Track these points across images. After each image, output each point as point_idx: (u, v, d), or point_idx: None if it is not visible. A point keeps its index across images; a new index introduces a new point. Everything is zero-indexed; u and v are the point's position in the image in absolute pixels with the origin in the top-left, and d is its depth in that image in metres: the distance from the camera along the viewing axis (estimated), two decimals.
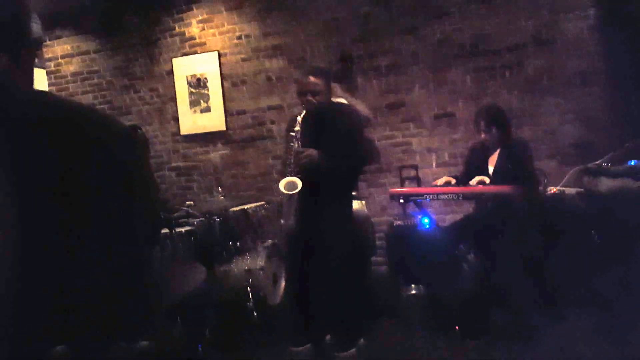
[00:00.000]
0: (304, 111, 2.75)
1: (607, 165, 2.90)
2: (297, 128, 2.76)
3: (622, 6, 3.47)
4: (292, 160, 2.71)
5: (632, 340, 2.40)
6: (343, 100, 3.53)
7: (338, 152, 2.55)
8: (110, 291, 0.80)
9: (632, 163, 2.60)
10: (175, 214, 3.60)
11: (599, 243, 2.93)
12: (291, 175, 2.71)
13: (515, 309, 2.84)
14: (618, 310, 2.69)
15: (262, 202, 3.62)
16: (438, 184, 3.05)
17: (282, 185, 2.79)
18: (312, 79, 2.67)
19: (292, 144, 2.75)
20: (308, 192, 2.73)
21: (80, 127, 0.78)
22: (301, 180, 2.67)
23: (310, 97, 2.65)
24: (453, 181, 3.01)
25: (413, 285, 3.16)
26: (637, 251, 2.66)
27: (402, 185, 3.93)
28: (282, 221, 3.14)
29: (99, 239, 0.76)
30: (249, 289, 3.11)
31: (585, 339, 2.52)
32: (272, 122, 4.40)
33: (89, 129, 0.80)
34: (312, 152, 2.63)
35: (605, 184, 2.80)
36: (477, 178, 2.92)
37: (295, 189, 2.70)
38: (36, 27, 0.83)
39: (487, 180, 2.90)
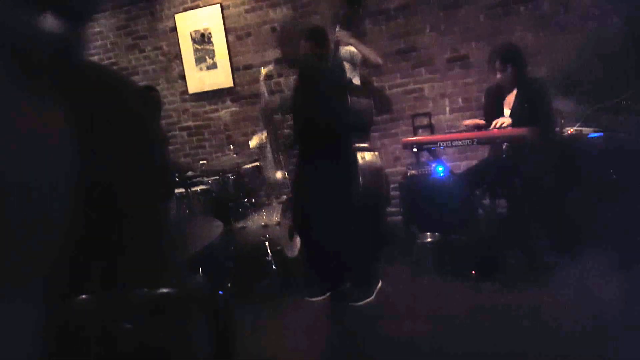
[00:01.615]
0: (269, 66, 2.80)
1: (627, 102, 2.80)
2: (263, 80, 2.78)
3: None
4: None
5: None
6: (351, 49, 3.44)
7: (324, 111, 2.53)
8: (129, 242, 0.81)
9: None
10: (189, 173, 3.63)
11: (617, 183, 2.88)
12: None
13: (531, 251, 2.85)
14: (634, 248, 2.68)
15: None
16: (466, 124, 3.03)
17: (252, 143, 2.89)
18: (304, 43, 2.63)
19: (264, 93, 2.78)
20: (304, 153, 2.72)
21: (95, 84, 0.78)
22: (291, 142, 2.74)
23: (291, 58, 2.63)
24: (482, 123, 2.98)
25: (428, 234, 3.18)
26: None
27: (415, 134, 3.88)
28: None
29: (118, 193, 0.77)
30: (266, 244, 3.17)
31: (601, 277, 2.53)
32: (280, 75, 4.31)
33: (108, 87, 0.80)
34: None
35: (624, 121, 2.71)
36: (500, 120, 2.85)
37: (260, 143, 2.79)
38: None
39: (509, 121, 2.83)
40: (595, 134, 2.78)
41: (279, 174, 3.31)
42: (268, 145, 3.30)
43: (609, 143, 2.92)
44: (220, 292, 2.45)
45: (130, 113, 0.80)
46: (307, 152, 2.73)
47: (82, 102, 0.71)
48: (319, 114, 2.55)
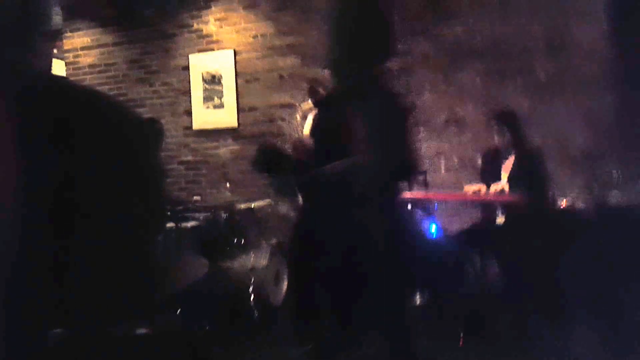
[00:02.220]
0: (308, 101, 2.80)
1: (620, 175, 2.84)
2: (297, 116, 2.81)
3: (635, 13, 3.40)
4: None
5: (636, 352, 2.36)
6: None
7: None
8: (111, 277, 0.80)
9: None
10: (181, 208, 3.63)
11: (608, 254, 2.87)
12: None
13: (520, 317, 2.80)
14: (622, 321, 2.65)
15: (269, 200, 3.62)
16: (470, 190, 3.00)
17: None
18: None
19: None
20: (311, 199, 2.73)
21: (98, 114, 0.80)
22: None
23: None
24: (484, 188, 2.97)
25: (418, 294, 3.13)
26: None
27: (410, 190, 3.91)
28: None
29: (103, 225, 0.77)
30: (251, 288, 3.12)
31: (590, 349, 2.48)
32: (282, 119, 4.41)
33: (105, 117, 0.81)
34: (309, 142, 2.64)
35: (617, 194, 2.75)
36: (497, 186, 2.86)
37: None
38: (57, 17, 0.85)
39: (507, 186, 2.85)
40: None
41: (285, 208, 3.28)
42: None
43: (601, 215, 2.95)
44: (199, 329, 2.40)
45: (128, 143, 0.81)
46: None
47: (79, 128, 0.72)
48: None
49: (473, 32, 3.85)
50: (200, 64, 4.68)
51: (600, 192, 2.90)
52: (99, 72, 5.09)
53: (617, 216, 2.78)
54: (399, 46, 4.01)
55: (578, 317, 2.80)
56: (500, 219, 2.98)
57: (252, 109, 4.54)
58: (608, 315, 2.73)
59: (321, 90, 2.72)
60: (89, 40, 5.11)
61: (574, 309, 2.85)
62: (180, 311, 2.32)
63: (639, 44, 3.38)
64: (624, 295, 2.73)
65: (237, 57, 4.56)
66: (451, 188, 3.69)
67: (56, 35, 5.04)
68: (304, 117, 2.81)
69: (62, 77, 0.87)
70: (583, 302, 2.88)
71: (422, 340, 2.81)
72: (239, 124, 4.57)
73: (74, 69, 5.18)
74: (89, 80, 5.11)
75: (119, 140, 0.83)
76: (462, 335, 2.72)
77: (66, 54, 5.19)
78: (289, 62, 4.39)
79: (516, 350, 2.52)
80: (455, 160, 3.96)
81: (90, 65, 5.13)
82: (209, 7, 4.66)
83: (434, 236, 3.15)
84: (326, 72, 2.65)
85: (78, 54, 5.17)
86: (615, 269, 2.79)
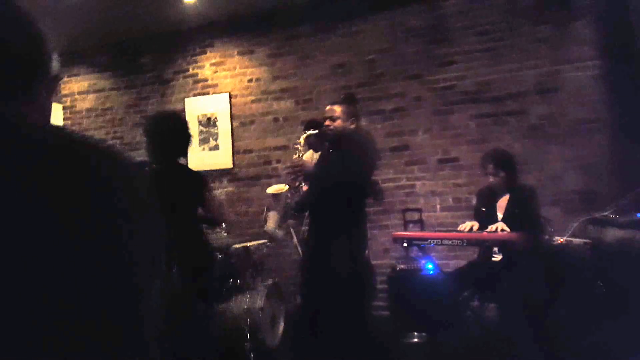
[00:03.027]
0: (309, 131, 2.87)
1: (614, 215, 2.88)
2: (300, 141, 2.85)
3: (625, 58, 3.56)
4: (291, 167, 2.79)
5: None
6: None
7: (336, 174, 2.58)
8: (102, 320, 0.79)
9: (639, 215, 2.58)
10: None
11: (604, 294, 2.86)
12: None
13: (518, 358, 2.74)
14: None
15: (265, 240, 3.60)
16: (464, 229, 3.00)
17: (270, 189, 2.91)
18: (332, 106, 2.78)
19: (295, 155, 2.84)
20: (318, 223, 2.74)
21: (91, 163, 0.80)
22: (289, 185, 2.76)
23: (328, 122, 2.75)
24: (477, 226, 2.98)
25: (415, 333, 3.07)
26: None
27: (405, 228, 3.92)
28: (265, 227, 3.18)
29: (98, 269, 0.76)
30: (246, 329, 3.04)
31: None
32: (278, 161, 4.46)
33: (100, 165, 0.82)
34: (307, 162, 2.69)
35: (612, 234, 2.77)
36: (496, 226, 2.87)
37: (279, 191, 2.80)
38: (55, 64, 0.87)
39: (505, 227, 2.85)
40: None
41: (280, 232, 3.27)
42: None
43: (597, 254, 2.96)
44: None
45: (121, 186, 0.82)
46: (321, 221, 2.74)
47: (77, 181, 0.73)
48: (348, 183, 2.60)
49: (465, 77, 4.00)
50: (196, 107, 4.77)
51: (595, 229, 2.92)
52: (96, 116, 5.16)
53: (612, 254, 2.79)
54: (392, 88, 4.17)
55: (575, 355, 2.75)
56: (496, 257, 2.98)
57: (247, 150, 4.59)
58: (605, 353, 2.68)
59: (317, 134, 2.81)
60: (87, 85, 5.21)
61: (571, 347, 2.81)
62: (173, 353, 2.24)
63: (628, 88, 3.53)
64: (619, 333, 2.70)
65: (232, 100, 4.66)
66: (447, 227, 3.71)
67: (55, 84, 5.09)
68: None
69: (60, 129, 0.89)
70: (579, 340, 2.84)
71: None
72: (234, 165, 4.61)
73: (71, 112, 5.25)
74: (85, 124, 5.17)
75: (113, 188, 0.83)
76: None
77: (64, 98, 5.27)
78: (284, 105, 4.50)
79: None
80: (450, 200, 3.99)
81: (88, 110, 5.20)
82: (205, 52, 4.81)
83: (431, 274, 3.12)
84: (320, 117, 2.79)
85: (75, 98, 5.25)
86: (611, 307, 2.78)
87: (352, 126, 2.79)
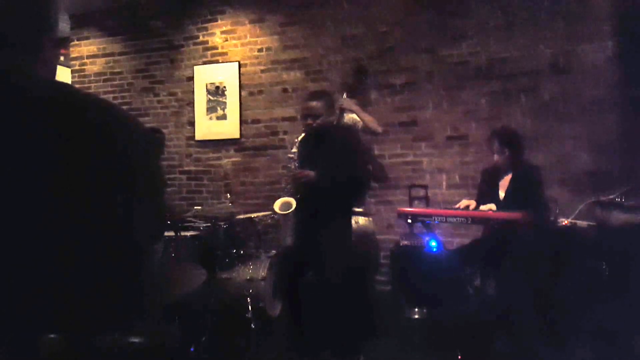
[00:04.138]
0: (302, 134, 2.82)
1: (621, 199, 2.84)
2: (295, 150, 2.83)
3: None
4: (289, 182, 2.78)
5: None
6: (354, 117, 3.55)
7: (335, 174, 2.56)
8: (106, 283, 0.80)
9: None
10: (182, 217, 3.63)
11: (608, 277, 2.86)
12: (288, 196, 2.77)
13: (518, 337, 2.77)
14: (622, 345, 2.62)
15: (269, 212, 3.62)
16: (460, 207, 3.01)
17: (277, 205, 2.86)
18: (311, 103, 2.73)
19: (289, 165, 2.81)
20: (306, 212, 2.75)
21: (101, 121, 0.80)
22: (297, 201, 2.72)
23: (310, 121, 2.71)
24: (473, 204, 2.97)
25: (416, 308, 3.11)
26: None
27: (410, 205, 3.91)
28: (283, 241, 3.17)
29: (101, 231, 0.77)
30: (248, 299, 3.09)
31: None
32: (285, 133, 4.43)
33: (109, 124, 0.82)
34: (309, 173, 2.67)
35: (617, 218, 2.74)
36: (486, 206, 2.88)
37: (289, 210, 2.76)
38: (64, 26, 0.86)
39: (493, 207, 2.86)
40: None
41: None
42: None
43: (602, 237, 2.94)
44: (192, 349, 2.37)
45: (130, 150, 0.81)
46: (306, 210, 2.75)
47: (81, 134, 0.72)
48: (332, 170, 2.58)
49: (478, 52, 3.90)
50: (204, 75, 4.72)
51: (601, 212, 2.89)
52: (105, 80, 5.14)
53: (617, 236, 2.77)
54: (403, 62, 4.08)
55: (576, 337, 2.78)
56: (499, 236, 2.97)
57: (255, 121, 4.57)
58: (607, 335, 2.70)
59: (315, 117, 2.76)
60: (96, 49, 5.17)
61: (573, 328, 2.83)
62: (177, 321, 2.30)
63: None
64: (623, 315, 2.71)
65: (241, 70, 4.61)
66: (452, 205, 3.69)
67: (63, 43, 5.10)
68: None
69: (66, 84, 0.89)
70: (582, 321, 2.85)
71: (419, 354, 2.79)
72: (241, 135, 4.59)
73: (79, 76, 5.23)
74: (94, 88, 5.15)
75: (121, 147, 0.83)
76: (459, 352, 2.69)
77: (73, 62, 5.24)
78: (294, 76, 4.43)
79: None
80: (457, 177, 3.96)
81: (96, 74, 5.18)
82: (216, 19, 4.73)
83: (434, 251, 3.13)
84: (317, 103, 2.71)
85: (84, 62, 5.22)
86: (615, 288, 2.78)
87: (335, 121, 2.77)
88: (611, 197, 2.93)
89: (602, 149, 3.61)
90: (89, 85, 5.17)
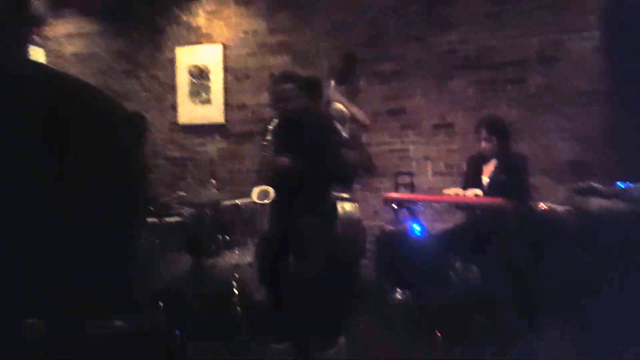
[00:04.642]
0: (276, 120, 2.78)
1: (598, 185, 2.92)
2: (269, 137, 2.78)
3: (627, 30, 3.50)
4: (264, 170, 2.75)
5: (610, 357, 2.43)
6: (340, 106, 3.54)
7: (310, 161, 2.54)
8: (89, 267, 0.78)
9: (622, 185, 2.62)
10: (165, 204, 3.58)
11: (585, 260, 2.95)
12: (264, 184, 2.74)
13: (498, 319, 2.85)
14: (597, 327, 2.72)
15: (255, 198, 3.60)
16: (449, 193, 3.06)
17: (254, 194, 2.82)
18: (281, 86, 2.68)
19: (264, 153, 2.77)
20: (283, 199, 2.75)
21: (79, 103, 0.77)
22: (274, 188, 2.70)
23: (281, 105, 2.67)
24: (461, 191, 3.02)
25: (399, 291, 3.16)
26: (621, 270, 2.70)
27: (396, 191, 3.95)
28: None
29: (83, 217, 0.75)
30: (235, 284, 3.09)
31: (563, 352, 2.55)
32: (272, 119, 4.38)
33: (88, 106, 0.79)
34: (284, 161, 2.64)
35: (595, 203, 2.82)
36: (471, 191, 2.93)
37: (267, 199, 2.73)
38: (38, 3, 0.82)
39: (480, 192, 2.91)
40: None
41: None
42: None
43: (580, 222, 3.02)
44: (177, 332, 2.36)
45: (112, 135, 0.79)
46: (286, 196, 2.74)
47: (58, 116, 0.69)
48: (309, 157, 2.57)
49: (467, 42, 3.91)
50: (187, 57, 4.62)
51: (579, 199, 2.97)
52: (82, 61, 4.98)
53: (595, 222, 2.86)
54: (392, 49, 4.07)
55: (554, 319, 2.87)
56: (481, 221, 3.03)
57: (240, 106, 4.51)
58: (583, 317, 2.80)
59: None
60: (72, 27, 4.99)
61: (551, 310, 2.93)
62: (162, 307, 2.29)
63: (629, 60, 3.48)
64: (599, 298, 2.81)
65: (226, 52, 4.52)
66: (437, 192, 3.73)
67: (36, 21, 4.88)
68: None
69: (39, 63, 0.85)
70: (559, 303, 2.95)
71: (400, 335, 2.85)
72: (226, 121, 4.53)
73: (56, 57, 5.05)
74: (72, 70, 5.00)
75: (101, 132, 0.81)
76: (439, 334, 2.75)
77: (48, 42, 5.06)
78: (280, 60, 4.38)
79: (492, 352, 2.56)
80: (442, 165, 4.00)
81: (73, 54, 5.01)
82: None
83: (418, 236, 3.18)
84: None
85: (60, 41, 5.04)
86: (592, 272, 2.87)
87: (305, 104, 2.74)
88: (590, 183, 3.02)
89: (584, 139, 3.69)
90: (65, 66, 5.01)
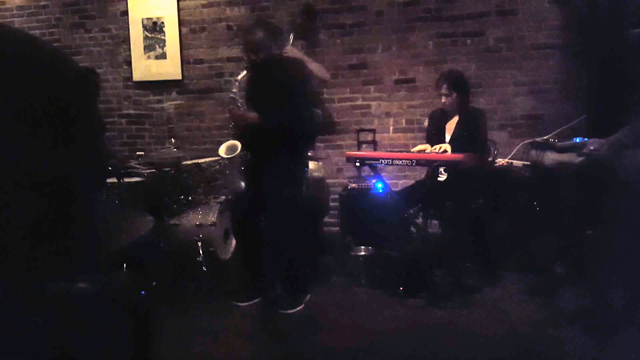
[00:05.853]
0: (244, 71, 2.70)
1: (554, 140, 3.03)
2: (235, 90, 2.72)
3: None
4: (232, 123, 2.69)
5: (560, 302, 2.60)
6: (300, 57, 3.45)
7: (280, 114, 2.50)
8: (50, 232, 0.75)
9: (577, 140, 2.72)
10: (124, 162, 3.47)
11: (540, 212, 3.11)
12: (232, 139, 2.71)
13: (457, 271, 2.99)
14: (550, 275, 2.91)
15: (217, 157, 3.54)
16: (413, 150, 3.10)
17: (222, 150, 2.79)
18: (252, 36, 2.59)
19: (232, 106, 2.71)
20: (252, 154, 2.72)
21: (27, 58, 0.72)
22: (242, 143, 2.66)
23: (252, 56, 2.59)
24: (429, 148, 3.06)
25: (362, 247, 3.24)
26: (575, 221, 2.86)
27: (359, 149, 3.97)
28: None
29: (39, 178, 0.71)
30: (199, 244, 3.08)
31: (519, 300, 2.71)
32: (232, 74, 4.24)
33: (37, 61, 0.74)
34: (252, 115, 2.59)
35: (551, 158, 2.93)
36: (440, 147, 2.97)
37: (234, 153, 2.70)
38: None
39: (448, 147, 2.96)
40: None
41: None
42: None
43: (534, 175, 3.16)
44: (142, 292, 2.35)
45: (64, 93, 0.75)
46: (256, 150, 2.71)
47: (5, 73, 0.65)
48: (283, 108, 2.51)
49: None
50: (140, 9, 4.35)
51: (536, 154, 3.07)
52: (29, 14, 4.61)
53: (549, 176, 2.99)
54: (353, 1, 3.97)
55: (511, 270, 3.05)
56: (442, 177, 3.11)
57: (197, 61, 4.33)
58: (536, 267, 2.99)
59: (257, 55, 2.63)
60: None
61: (508, 262, 3.10)
62: (125, 267, 2.26)
63: (585, 15, 3.53)
64: (552, 248, 2.99)
65: (180, 4, 4.29)
66: (399, 148, 3.78)
67: None
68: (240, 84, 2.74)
69: None
70: (515, 255, 3.12)
71: (363, 290, 2.96)
72: (183, 77, 4.36)
73: None
74: (17, 23, 4.62)
75: (53, 88, 0.76)
76: (401, 287, 2.86)
77: None
78: (238, 12, 4.19)
79: (452, 303, 2.70)
80: (404, 121, 4.03)
81: (19, 7, 4.63)
82: None
83: (380, 193, 3.24)
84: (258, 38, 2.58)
85: None
86: (546, 224, 3.03)
87: (278, 54, 2.66)
88: (545, 138, 3.13)
89: (542, 93, 3.79)
90: (11, 19, 4.63)
